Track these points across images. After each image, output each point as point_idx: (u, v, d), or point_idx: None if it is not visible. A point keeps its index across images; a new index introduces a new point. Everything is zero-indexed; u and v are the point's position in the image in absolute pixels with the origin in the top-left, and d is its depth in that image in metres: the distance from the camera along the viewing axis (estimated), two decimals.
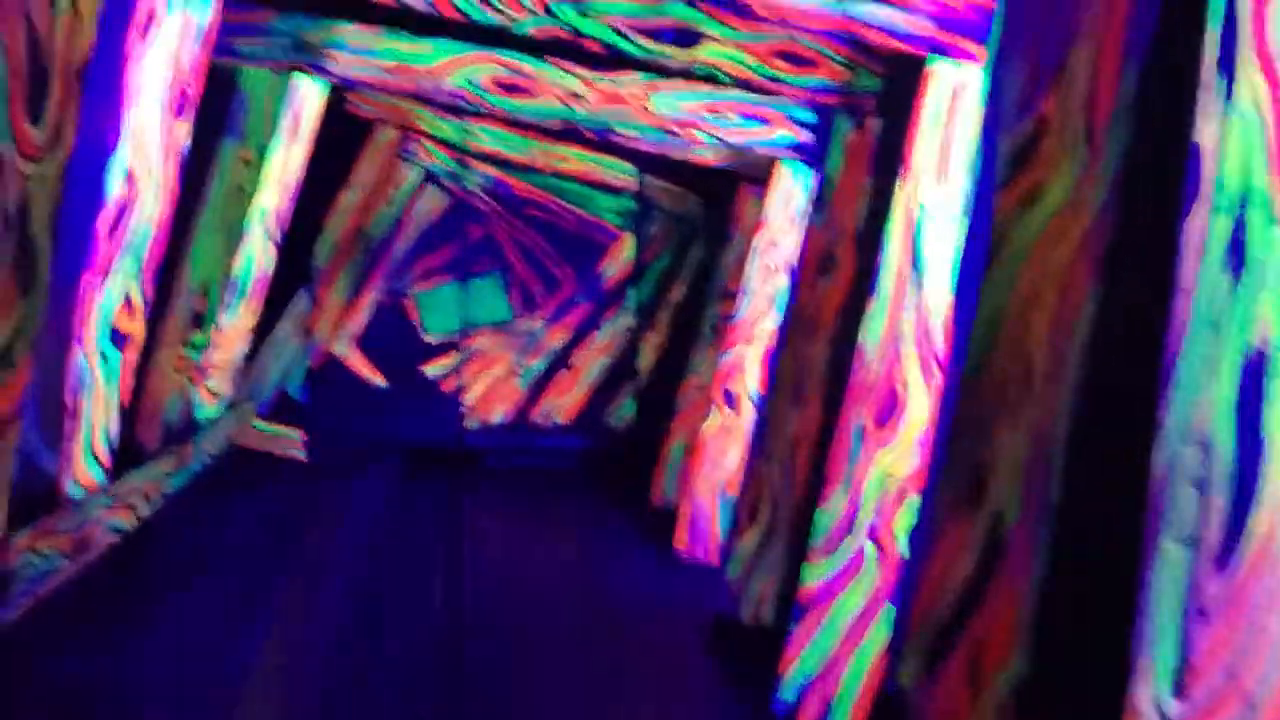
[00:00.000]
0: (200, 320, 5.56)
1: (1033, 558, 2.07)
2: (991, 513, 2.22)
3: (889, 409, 4.13)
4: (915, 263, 4.10)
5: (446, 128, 7.71)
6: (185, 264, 5.35)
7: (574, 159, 7.82)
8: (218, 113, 5.45)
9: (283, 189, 6.38)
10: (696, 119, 5.74)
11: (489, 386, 7.84)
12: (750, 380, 5.85)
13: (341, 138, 7.42)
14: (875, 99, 4.88)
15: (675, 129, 5.69)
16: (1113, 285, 2.10)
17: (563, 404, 7.82)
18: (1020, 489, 2.18)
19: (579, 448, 7.84)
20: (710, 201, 7.53)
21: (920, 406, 4.12)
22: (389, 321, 7.65)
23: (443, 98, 5.60)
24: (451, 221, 7.68)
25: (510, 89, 5.65)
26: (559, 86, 5.69)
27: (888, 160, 4.70)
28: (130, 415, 5.17)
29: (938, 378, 4.18)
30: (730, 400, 5.87)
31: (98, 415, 4.54)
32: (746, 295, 5.83)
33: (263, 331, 6.88)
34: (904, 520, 3.90)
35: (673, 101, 5.72)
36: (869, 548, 3.93)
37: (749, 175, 6.62)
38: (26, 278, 3.29)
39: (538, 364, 7.84)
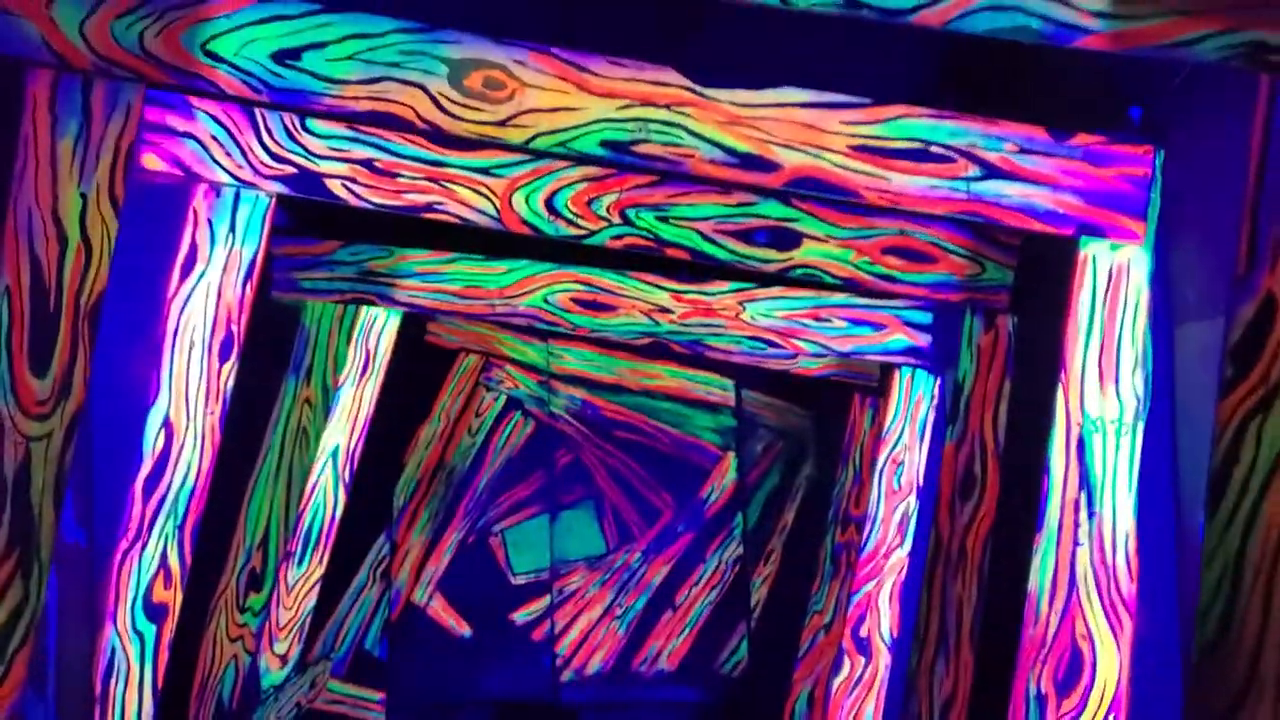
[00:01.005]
0: (258, 581, 5.01)
1: None
2: None
3: (1072, 670, 3.30)
4: (1086, 485, 3.34)
5: (530, 351, 7.29)
6: (240, 519, 4.85)
7: (665, 375, 7.29)
8: (278, 349, 5.05)
9: (354, 426, 5.93)
10: (798, 327, 5.15)
11: (584, 631, 7.10)
12: (884, 622, 5.02)
13: (419, 368, 7.04)
14: (1008, 293, 4.22)
15: (775, 339, 5.10)
16: None
17: (668, 649, 7.03)
18: None
19: (688, 701, 6.97)
20: (819, 414, 6.88)
21: (1109, 665, 3.29)
22: (474, 563, 7.04)
23: (519, 320, 5.14)
24: (537, 449, 7.16)
25: (591, 306, 5.16)
26: (643, 301, 5.18)
27: (1031, 362, 4.00)
28: (176, 695, 4.53)
29: (1128, 628, 3.38)
30: (863, 647, 5.03)
31: (130, 701, 3.92)
32: (872, 523, 5.08)
33: (334, 581, 6.31)
34: None
35: (770, 310, 5.15)
36: None
37: (861, 384, 5.97)
38: (27, 556, 2.74)
39: (637, 603, 7.10)
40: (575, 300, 5.09)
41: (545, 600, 7.04)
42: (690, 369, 7.23)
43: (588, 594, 7.13)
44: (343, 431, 5.88)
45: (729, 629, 6.97)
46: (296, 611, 5.86)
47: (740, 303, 5.08)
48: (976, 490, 4.06)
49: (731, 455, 7.16)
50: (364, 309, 5.77)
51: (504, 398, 7.22)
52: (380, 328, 5.90)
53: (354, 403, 5.89)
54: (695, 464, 7.14)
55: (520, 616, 7.00)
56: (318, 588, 5.90)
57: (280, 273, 5.00)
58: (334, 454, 5.88)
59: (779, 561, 6.96)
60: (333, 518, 5.89)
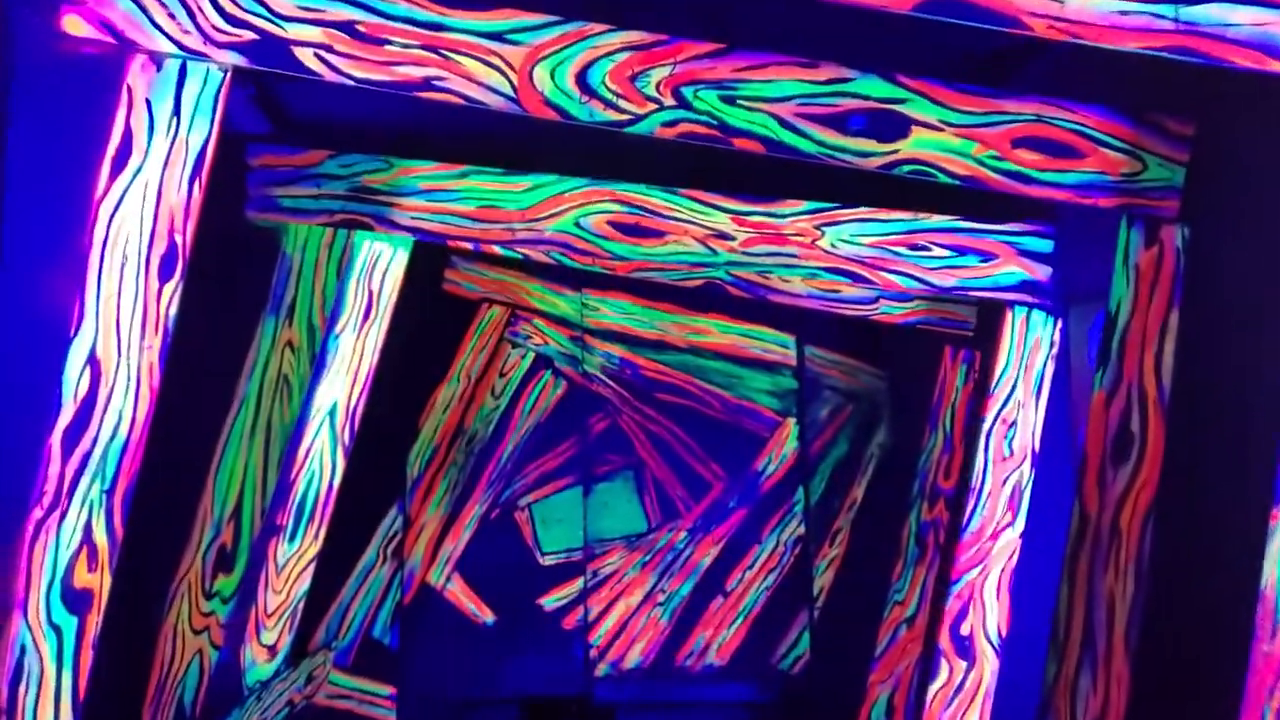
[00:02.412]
0: (228, 560, 4.16)
1: None
2: None
3: None
4: None
5: (562, 303, 6.39)
6: (209, 485, 4.00)
7: (715, 331, 6.37)
8: (254, 285, 4.19)
9: (355, 380, 5.07)
10: (888, 257, 4.22)
11: (622, 620, 6.23)
12: (991, 618, 4.10)
13: (436, 321, 6.18)
14: (1178, 197, 3.28)
15: (859, 271, 4.16)
16: None
17: (717, 641, 6.15)
18: None
19: (741, 700, 6.09)
20: (896, 372, 5.94)
21: None
22: (498, 541, 6.18)
23: (545, 247, 4.24)
24: (570, 414, 6.28)
25: (632, 232, 4.25)
26: (698, 224, 4.25)
27: (1208, 287, 3.04)
28: (123, 700, 3.70)
29: None
30: (964, 648, 4.12)
31: (44, 712, 3.08)
32: (976, 497, 4.16)
33: (336, 561, 5.47)
34: None
35: (855, 234, 4.22)
36: None
37: (954, 333, 5.02)
38: None
39: (683, 588, 6.22)
40: (614, 224, 4.18)
41: (578, 584, 6.18)
42: (745, 322, 6.31)
43: (626, 577, 6.26)
44: (342, 386, 5.02)
45: (788, 619, 6.06)
46: (288, 595, 5.02)
47: (818, 226, 4.15)
48: (1134, 452, 3.13)
49: (792, 421, 6.24)
50: (364, 242, 4.90)
51: (532, 355, 6.34)
52: (386, 265, 5.02)
53: (355, 353, 5.02)
54: (750, 431, 6.22)
55: (549, 602, 6.14)
56: (312, 568, 5.06)
57: (257, 189, 4.13)
58: (331, 413, 5.02)
59: (846, 542, 6.05)
60: (329, 487, 5.03)
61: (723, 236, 4.14)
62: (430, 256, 5.59)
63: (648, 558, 6.22)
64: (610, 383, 6.31)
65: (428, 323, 6.13)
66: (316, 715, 5.70)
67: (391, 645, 5.98)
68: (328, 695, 5.80)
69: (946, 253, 4.14)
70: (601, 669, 6.16)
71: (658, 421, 6.24)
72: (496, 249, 4.25)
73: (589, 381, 6.27)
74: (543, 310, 6.33)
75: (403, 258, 5.04)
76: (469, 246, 4.28)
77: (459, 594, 6.16)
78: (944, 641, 4.04)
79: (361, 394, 5.04)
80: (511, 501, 6.24)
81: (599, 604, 6.22)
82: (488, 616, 6.12)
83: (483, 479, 6.23)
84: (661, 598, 6.16)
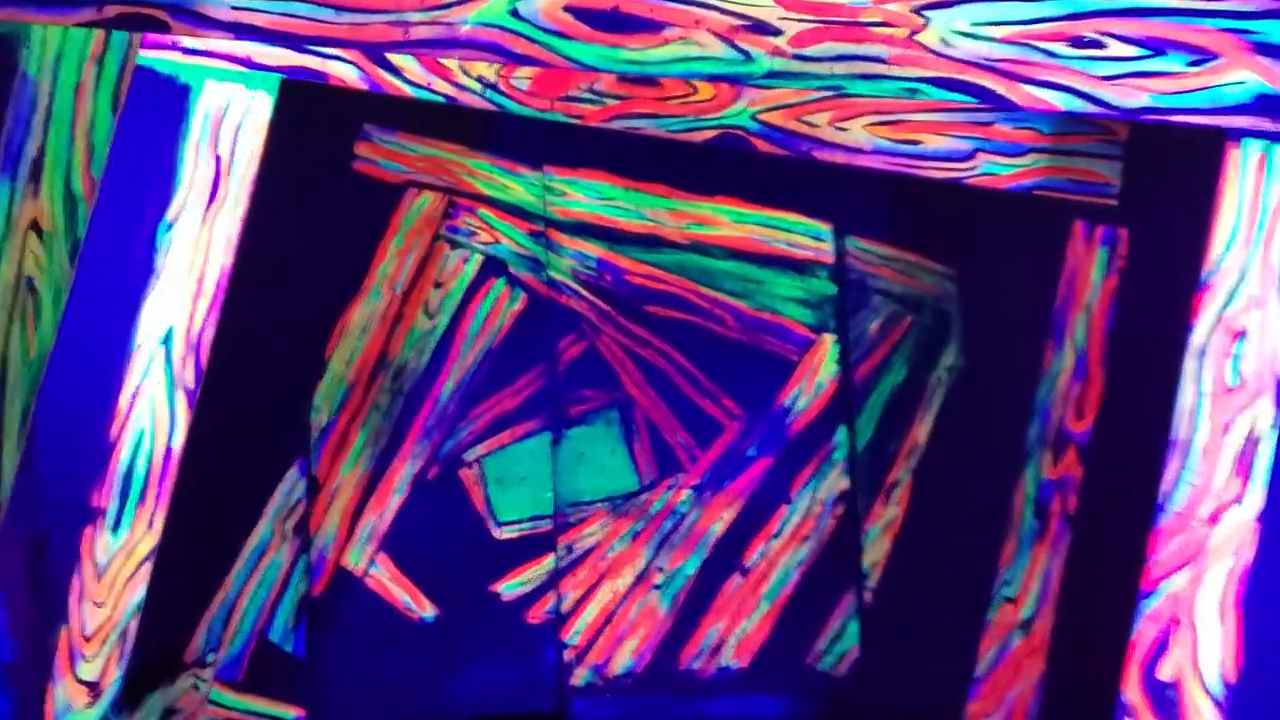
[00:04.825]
0: None
1: None
2: None
3: None
4: None
5: (516, 185, 4.73)
6: None
7: (726, 220, 4.72)
8: None
9: (201, 293, 3.44)
10: (1037, 59, 2.55)
11: (607, 610, 4.69)
12: (1209, 657, 2.54)
13: (343, 210, 4.54)
14: None
15: (989, 82, 2.51)
16: None
17: (735, 635, 4.62)
18: None
19: (769, 714, 4.58)
20: (975, 266, 4.32)
21: None
22: (438, 509, 4.63)
23: (461, 54, 2.59)
24: (532, 336, 4.69)
25: (610, 23, 2.61)
26: (720, 6, 2.58)
27: None
28: None
29: None
30: (1164, 703, 2.55)
31: None
32: (1182, 455, 2.57)
33: (196, 549, 3.89)
34: None
35: (980, 22, 2.56)
36: None
37: (1088, 201, 3.42)
38: None
39: (687, 566, 4.68)
40: (575, 9, 2.53)
41: (546, 563, 4.62)
42: (764, 208, 4.67)
43: (611, 552, 4.71)
44: (179, 302, 3.39)
45: (829, 604, 4.50)
46: (115, 608, 3.44)
47: (919, 9, 2.50)
48: None
49: (830, 338, 4.63)
50: (206, 83, 3.24)
51: (479, 258, 4.69)
52: (239, 118, 3.36)
53: (197, 252, 3.38)
54: (773, 353, 4.60)
55: (508, 588, 4.57)
56: (150, 564, 3.48)
57: None
58: (166, 341, 3.39)
59: (907, 501, 4.52)
60: (167, 449, 3.43)
61: (761, 29, 2.48)
62: (320, 111, 3.91)
63: (640, 526, 4.67)
64: (585, 292, 4.69)
65: (333, 213, 4.49)
66: None
67: (296, 652, 4.45)
68: None
69: (1132, 50, 2.51)
70: (580, 676, 4.65)
71: (649, 344, 4.63)
72: (366, 79, 2.60)
73: (556, 292, 4.66)
74: (491, 196, 4.67)
75: (264, 105, 3.37)
76: (337, 67, 2.62)
77: (386, 581, 4.60)
78: (1132, 691, 2.48)
79: (210, 312, 3.41)
80: (455, 455, 4.65)
81: (575, 589, 4.66)
82: (426, 610, 4.57)
83: (415, 426, 4.62)
84: (659, 579, 4.62)
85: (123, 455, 3.38)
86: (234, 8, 2.46)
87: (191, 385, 3.41)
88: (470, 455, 4.71)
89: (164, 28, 2.47)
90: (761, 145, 3.15)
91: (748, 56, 2.52)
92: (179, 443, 3.43)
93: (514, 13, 2.51)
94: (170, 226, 3.35)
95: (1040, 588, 3.45)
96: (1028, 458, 3.62)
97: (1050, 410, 3.49)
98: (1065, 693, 3.23)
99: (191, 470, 3.57)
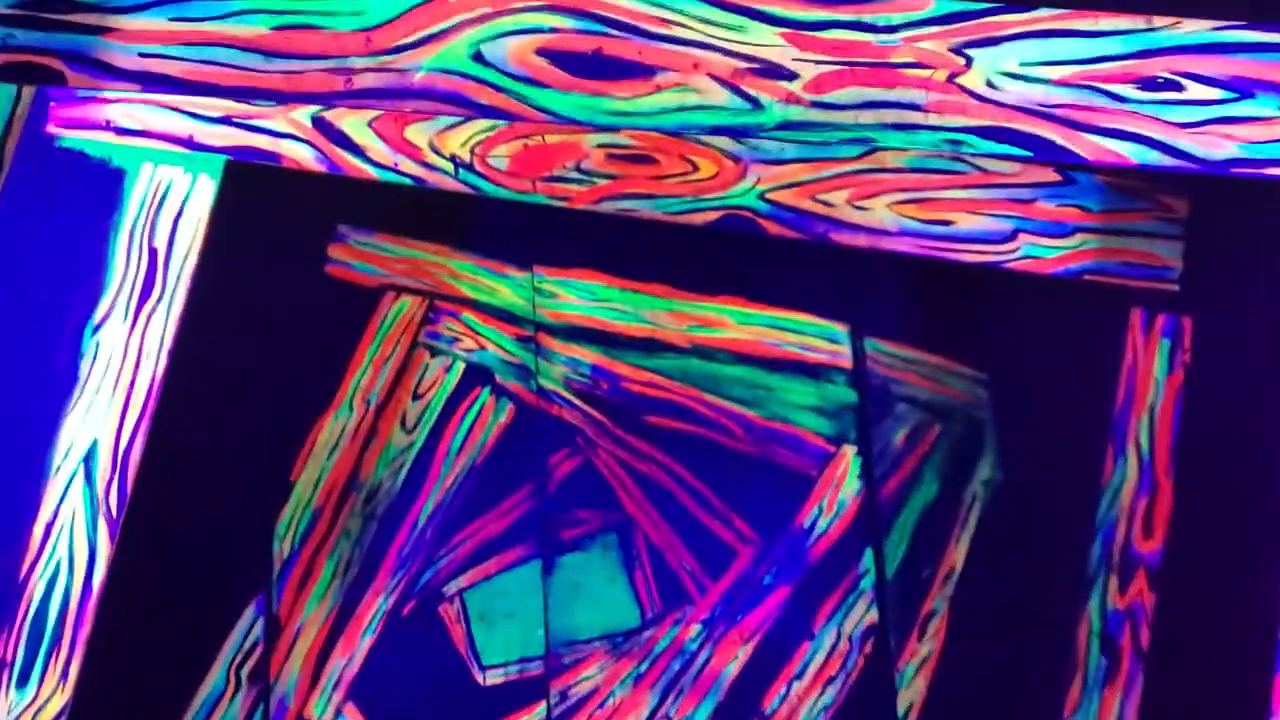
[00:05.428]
0: None
1: None
2: None
3: None
4: None
5: (503, 287, 4.32)
6: None
7: (732, 321, 4.31)
8: None
9: (129, 405, 3.00)
10: (1100, 103, 2.09)
11: None
12: None
13: (313, 315, 4.14)
14: None
15: (1044, 131, 2.06)
16: None
17: None
18: None
19: None
20: (1008, 367, 3.87)
21: None
22: (414, 651, 4.10)
23: (407, 107, 2.21)
24: (520, 451, 4.23)
25: (589, 69, 2.21)
26: (720, 48, 2.16)
27: None
28: None
29: None
30: None
31: None
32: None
33: (117, 704, 3.36)
34: None
35: (1030, 62, 2.12)
36: None
37: (1145, 286, 3.01)
38: None
39: (699, 713, 4.12)
40: (549, 52, 2.14)
41: (538, 712, 4.06)
42: (773, 308, 4.26)
43: (612, 698, 4.15)
44: (106, 414, 2.95)
45: None
46: None
47: (958, 48, 2.11)
48: None
49: (851, 451, 4.17)
50: (143, 165, 2.87)
51: (461, 366, 4.27)
52: (178, 204, 2.97)
53: (128, 354, 2.95)
54: (789, 468, 4.14)
55: None
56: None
57: None
58: (87, 459, 2.94)
59: (945, 634, 3.98)
60: (85, 587, 2.94)
61: (772, 73, 2.09)
62: (280, 198, 3.52)
63: (643, 667, 4.12)
64: (579, 402, 4.25)
65: (301, 317, 4.09)
66: None
67: None
68: None
69: (1214, 93, 2.10)
70: None
71: (650, 458, 4.17)
72: (315, 119, 2.21)
73: (547, 402, 4.22)
74: (475, 299, 4.27)
75: (207, 190, 2.98)
76: (290, 147, 2.24)
77: None
78: None
79: (139, 424, 2.96)
80: (434, 588, 4.13)
81: None
82: None
83: (389, 556, 4.12)
84: None
85: (34, 596, 2.89)
86: (141, 54, 2.08)
87: (114, 513, 2.94)
88: (450, 588, 4.19)
89: (59, 79, 2.09)
90: (771, 227, 2.75)
91: (756, 104, 2.13)
92: (99, 579, 2.95)
93: (477, 57, 2.13)
94: (97, 329, 2.93)
95: None
96: (1091, 584, 3.12)
97: (1114, 528, 3.01)
98: None
99: (120, 613, 3.08)
